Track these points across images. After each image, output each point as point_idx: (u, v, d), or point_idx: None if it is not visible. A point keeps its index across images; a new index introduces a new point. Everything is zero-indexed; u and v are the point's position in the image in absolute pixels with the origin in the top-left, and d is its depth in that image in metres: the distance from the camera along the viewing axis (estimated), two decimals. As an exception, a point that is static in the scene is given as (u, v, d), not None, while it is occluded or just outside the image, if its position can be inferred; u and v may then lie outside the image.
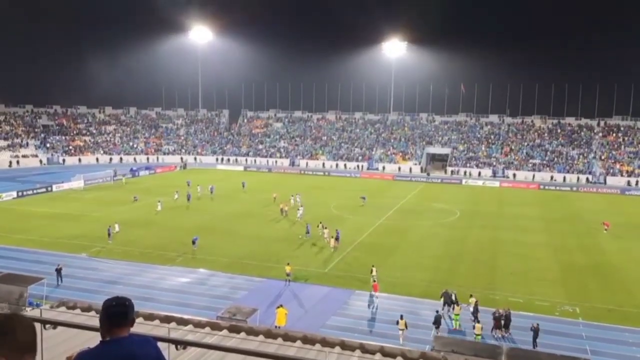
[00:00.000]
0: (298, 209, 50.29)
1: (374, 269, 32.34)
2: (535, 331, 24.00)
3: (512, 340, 24.67)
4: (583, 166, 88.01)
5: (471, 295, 27.71)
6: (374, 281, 30.87)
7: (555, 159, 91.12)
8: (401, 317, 24.94)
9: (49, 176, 74.19)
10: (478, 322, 25.43)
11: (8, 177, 73.21)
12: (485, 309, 26.57)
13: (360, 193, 61.34)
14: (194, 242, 38.30)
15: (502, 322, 25.22)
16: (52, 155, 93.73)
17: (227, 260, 35.93)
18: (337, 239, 39.38)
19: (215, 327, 8.35)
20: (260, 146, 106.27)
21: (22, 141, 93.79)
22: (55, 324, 4.61)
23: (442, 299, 27.55)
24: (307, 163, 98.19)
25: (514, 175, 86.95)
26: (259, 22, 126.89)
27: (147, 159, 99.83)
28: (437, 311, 26.02)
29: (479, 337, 24.69)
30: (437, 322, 25.22)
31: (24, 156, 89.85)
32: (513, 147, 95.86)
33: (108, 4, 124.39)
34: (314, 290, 30.70)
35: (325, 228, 41.83)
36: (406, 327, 24.53)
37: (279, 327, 21.91)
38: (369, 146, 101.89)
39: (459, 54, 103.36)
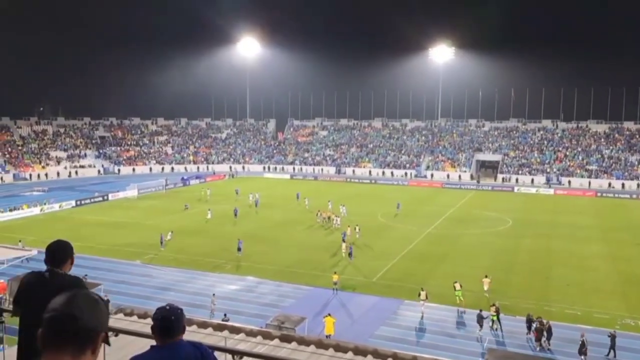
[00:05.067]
0: (336, 216, 50.27)
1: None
2: (612, 338, 22.95)
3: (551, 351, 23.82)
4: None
5: (486, 276, 30.67)
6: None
7: (613, 165, 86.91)
8: (422, 289, 28.30)
9: (105, 185, 77.43)
10: (493, 304, 26.44)
11: (68, 187, 76.95)
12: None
13: (408, 201, 60.42)
14: (239, 249, 38.90)
15: (545, 334, 24.33)
16: (109, 165, 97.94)
17: (274, 268, 36.26)
18: (350, 254, 38.35)
19: (266, 336, 8.40)
20: (306, 154, 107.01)
21: (80, 152, 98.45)
22: (116, 331, 4.77)
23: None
24: (353, 171, 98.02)
25: (569, 182, 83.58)
26: (305, 31, 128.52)
27: (197, 168, 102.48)
28: (480, 310, 26.07)
29: (495, 317, 25.76)
30: (479, 320, 25.55)
31: (82, 166, 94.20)
32: (567, 153, 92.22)
33: (160, 20, 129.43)
34: (362, 300, 30.49)
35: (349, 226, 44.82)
36: (427, 298, 27.87)
37: (329, 336, 21.87)
38: (417, 153, 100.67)
39: (509, 58, 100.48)
